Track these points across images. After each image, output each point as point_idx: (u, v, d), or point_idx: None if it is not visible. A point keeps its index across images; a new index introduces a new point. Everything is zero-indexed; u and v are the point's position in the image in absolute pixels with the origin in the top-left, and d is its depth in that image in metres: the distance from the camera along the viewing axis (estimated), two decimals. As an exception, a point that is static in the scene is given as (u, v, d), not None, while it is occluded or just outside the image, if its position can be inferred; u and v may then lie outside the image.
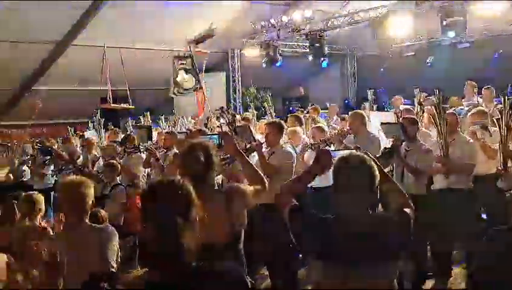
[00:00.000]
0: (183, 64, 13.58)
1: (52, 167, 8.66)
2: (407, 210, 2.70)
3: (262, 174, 3.81)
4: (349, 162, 2.63)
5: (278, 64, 16.30)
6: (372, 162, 2.64)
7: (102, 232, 3.34)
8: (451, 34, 13.16)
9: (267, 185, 3.72)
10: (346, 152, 2.94)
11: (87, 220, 3.30)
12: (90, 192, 3.31)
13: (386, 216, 2.70)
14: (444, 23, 12.52)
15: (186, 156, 3.35)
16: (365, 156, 2.70)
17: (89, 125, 11.92)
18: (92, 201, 3.35)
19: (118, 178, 7.15)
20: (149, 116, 11.66)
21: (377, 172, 2.61)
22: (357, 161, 2.63)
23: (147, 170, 7.87)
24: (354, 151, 3.06)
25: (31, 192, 4.83)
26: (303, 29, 15.01)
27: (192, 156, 3.28)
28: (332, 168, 2.68)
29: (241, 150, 3.78)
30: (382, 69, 17.19)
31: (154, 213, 2.02)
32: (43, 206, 4.33)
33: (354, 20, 14.03)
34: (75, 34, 13.53)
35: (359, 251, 2.49)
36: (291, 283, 5.63)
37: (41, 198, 4.26)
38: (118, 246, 3.40)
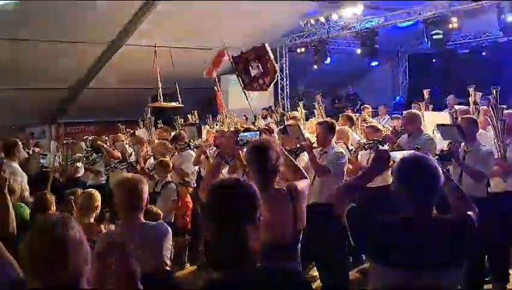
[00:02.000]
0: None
1: (103, 165, 8.86)
2: (470, 213, 2.62)
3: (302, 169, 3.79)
4: (415, 163, 2.57)
5: (327, 62, 16.13)
6: (437, 164, 2.56)
7: (156, 229, 3.36)
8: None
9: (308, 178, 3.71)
10: (407, 152, 2.88)
11: (142, 218, 3.33)
12: (146, 189, 3.34)
13: (449, 219, 2.60)
14: (501, 19, 12.07)
15: (255, 154, 3.34)
16: (430, 157, 2.63)
17: (140, 123, 12.11)
18: (147, 198, 3.39)
19: (169, 175, 7.25)
20: (196, 115, 11.75)
21: (441, 173, 2.54)
22: (423, 162, 2.56)
23: (196, 167, 7.93)
24: (415, 152, 2.98)
25: (88, 189, 4.94)
26: (353, 27, 14.79)
27: (261, 154, 3.27)
28: (395, 169, 2.61)
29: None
30: (434, 67, 16.83)
31: (219, 213, 2.01)
32: (99, 203, 4.40)
33: (407, 18, 13.71)
34: (127, 34, 13.80)
35: (423, 255, 2.42)
36: (342, 284, 5.57)
37: (98, 195, 4.34)
38: (171, 244, 3.43)
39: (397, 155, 2.96)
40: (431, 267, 2.42)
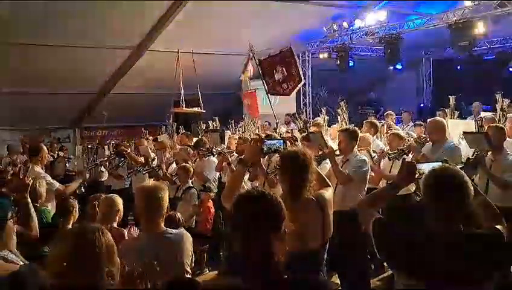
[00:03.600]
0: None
1: (126, 169, 8.94)
2: (498, 227, 2.57)
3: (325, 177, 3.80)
4: (444, 177, 2.53)
5: (350, 68, 16.04)
6: (467, 177, 2.52)
7: (177, 236, 3.36)
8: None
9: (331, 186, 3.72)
10: (435, 164, 2.83)
11: (162, 225, 3.34)
12: (166, 197, 3.36)
13: (479, 234, 2.55)
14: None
15: (287, 164, 3.35)
16: (459, 170, 2.58)
17: (162, 128, 12.21)
18: (167, 205, 3.40)
19: (190, 181, 7.28)
20: (218, 121, 11.78)
21: (471, 187, 2.50)
22: (452, 175, 2.53)
23: (218, 173, 7.95)
24: (442, 164, 2.92)
25: (110, 194, 4.99)
26: (377, 32, 14.69)
27: (294, 164, 3.28)
28: (424, 182, 2.58)
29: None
30: (459, 73, 16.61)
31: (244, 224, 2.03)
32: (121, 208, 4.44)
33: (431, 23, 13.55)
34: (151, 39, 13.93)
35: (452, 270, 2.38)
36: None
37: (119, 200, 4.37)
38: (192, 250, 3.43)
39: (424, 167, 2.91)
40: (460, 283, 2.38)
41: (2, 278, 2.14)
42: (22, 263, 2.78)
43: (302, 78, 12.56)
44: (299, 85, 12.30)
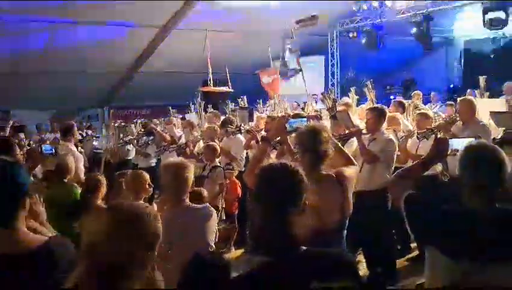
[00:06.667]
0: (288, 44, 13.71)
1: (154, 147, 9.02)
2: None
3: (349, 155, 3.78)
4: (483, 152, 2.48)
5: (379, 48, 15.81)
6: (503, 153, 2.46)
7: (201, 212, 3.40)
8: None
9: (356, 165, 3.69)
10: (469, 140, 2.79)
11: (187, 201, 3.37)
12: (191, 173, 3.38)
13: None
14: None
15: (305, 138, 3.34)
16: (496, 146, 2.53)
17: (190, 107, 12.25)
18: (192, 182, 3.43)
19: (217, 160, 7.30)
20: (245, 100, 11.76)
21: (508, 163, 2.43)
22: (492, 151, 2.47)
23: (245, 152, 7.94)
24: (477, 140, 2.87)
25: (137, 170, 5.04)
26: (407, 11, 14.40)
27: (311, 138, 3.27)
28: (461, 157, 2.52)
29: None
30: (490, 54, 16.27)
31: (265, 197, 2.03)
32: (149, 184, 4.46)
33: (463, 1, 13.23)
34: (179, 18, 13.93)
35: (487, 247, 2.34)
36: (389, 271, 5.50)
37: (147, 176, 4.40)
38: (216, 227, 3.46)
39: (457, 143, 2.87)
40: (495, 260, 2.34)
41: (31, 249, 2.14)
42: (50, 235, 2.82)
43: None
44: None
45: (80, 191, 4.95)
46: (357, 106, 8.90)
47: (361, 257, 6.03)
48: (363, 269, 5.79)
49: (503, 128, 5.34)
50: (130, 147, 9.39)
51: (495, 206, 2.45)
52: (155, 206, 4.44)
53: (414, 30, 14.80)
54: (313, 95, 14.14)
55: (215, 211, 6.52)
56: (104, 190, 4.77)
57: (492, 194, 2.44)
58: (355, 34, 16.12)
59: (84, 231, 1.89)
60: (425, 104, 10.29)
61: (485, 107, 7.11)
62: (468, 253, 2.36)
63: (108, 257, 1.77)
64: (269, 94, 12.97)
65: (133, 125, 10.55)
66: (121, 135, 9.64)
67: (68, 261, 2.09)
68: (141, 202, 4.24)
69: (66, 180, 5.12)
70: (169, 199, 3.37)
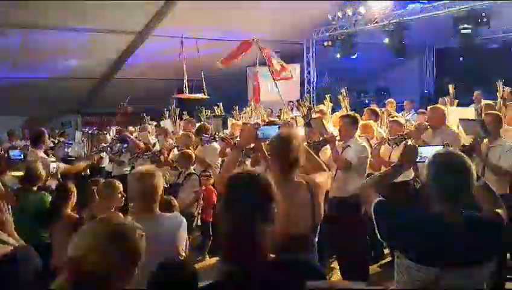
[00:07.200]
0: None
1: (129, 155, 8.93)
2: (499, 211, 2.59)
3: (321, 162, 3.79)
4: (450, 159, 2.53)
5: (353, 56, 15.98)
6: (470, 161, 2.52)
7: (171, 220, 3.35)
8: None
9: (327, 171, 3.71)
10: (437, 148, 2.84)
11: (157, 209, 3.32)
12: (160, 182, 3.33)
13: (479, 217, 2.57)
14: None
15: (276, 146, 3.35)
16: (462, 154, 2.58)
17: (165, 114, 12.18)
18: (162, 190, 3.38)
19: (192, 167, 7.27)
20: (221, 107, 11.76)
21: (474, 171, 2.50)
22: (458, 158, 2.53)
23: (220, 160, 7.92)
24: (444, 147, 2.93)
25: (110, 179, 4.98)
26: (381, 20, 14.60)
27: (282, 146, 3.28)
28: (428, 164, 2.58)
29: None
30: (462, 62, 16.65)
31: (233, 206, 2.02)
32: (121, 193, 4.40)
33: (435, 12, 13.47)
34: (154, 24, 13.86)
35: (452, 252, 2.40)
36: (362, 277, 5.54)
37: (119, 185, 4.35)
38: (186, 235, 3.42)
39: (426, 151, 2.92)
40: (460, 265, 2.40)
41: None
42: (17, 245, 2.76)
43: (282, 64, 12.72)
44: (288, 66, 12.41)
45: (49, 199, 4.87)
46: (332, 113, 8.97)
47: (335, 264, 6.08)
48: (337, 276, 5.84)
49: (472, 135, 5.44)
50: (103, 154, 9.28)
51: (461, 212, 2.50)
52: (129, 217, 4.40)
53: (387, 40, 15.02)
54: (289, 102, 14.22)
55: (192, 219, 6.50)
56: (74, 198, 4.70)
57: (458, 200, 2.49)
58: (329, 43, 16.26)
59: (71, 242, 1.88)
60: (398, 112, 10.45)
61: (456, 115, 7.25)
62: (434, 258, 2.40)
63: (92, 269, 1.77)
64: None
65: (106, 132, 10.43)
66: (95, 142, 9.53)
67: (32, 271, 2.05)
68: (129, 217, 4.19)
69: (35, 188, 5.03)
70: (138, 208, 3.32)
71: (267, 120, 7.98)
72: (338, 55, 16.24)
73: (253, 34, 12.73)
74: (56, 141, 10.48)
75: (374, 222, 2.63)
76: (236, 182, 2.10)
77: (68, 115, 18.50)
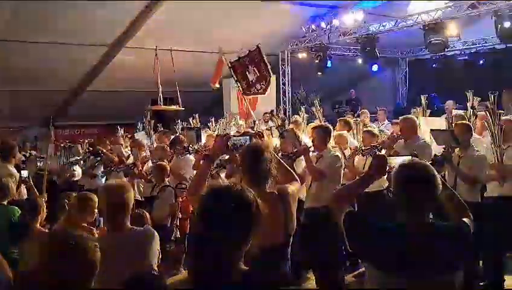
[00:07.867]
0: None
1: (102, 168, 8.83)
2: (466, 220, 2.63)
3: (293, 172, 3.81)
4: (414, 170, 2.57)
5: (328, 67, 16.13)
6: (435, 171, 2.56)
7: (143, 234, 3.31)
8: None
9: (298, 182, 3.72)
10: (405, 158, 2.88)
11: (128, 223, 3.28)
12: (131, 196, 3.29)
13: (445, 226, 2.60)
14: (498, 27, 11.97)
15: (247, 157, 3.34)
16: (428, 164, 2.63)
17: (139, 126, 12.09)
18: (133, 204, 3.34)
19: (166, 180, 7.22)
20: (198, 119, 11.72)
21: (439, 181, 2.54)
22: (422, 169, 2.57)
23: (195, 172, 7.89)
24: (412, 158, 2.96)
25: (82, 192, 4.91)
26: (354, 32, 14.79)
27: (253, 157, 3.27)
28: (394, 174, 2.61)
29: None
30: (434, 73, 16.99)
31: (206, 219, 1.99)
32: (94, 207, 4.34)
33: (406, 24, 13.72)
34: (128, 36, 13.78)
35: (420, 261, 2.42)
36: (337, 287, 5.56)
37: (94, 198, 4.28)
38: (159, 249, 3.38)
39: (394, 161, 2.95)
40: (428, 274, 2.41)
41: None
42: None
43: (271, 73, 12.69)
44: (269, 79, 12.40)
45: (18, 213, 4.78)
46: (307, 124, 9.02)
47: (311, 274, 6.09)
48: (312, 286, 5.84)
49: (443, 145, 5.54)
50: (76, 167, 9.15)
51: (427, 221, 2.54)
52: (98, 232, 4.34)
53: (361, 50, 15.20)
54: (265, 113, 14.25)
55: (169, 232, 6.43)
56: (44, 213, 4.62)
57: (424, 209, 2.52)
58: (304, 54, 16.39)
59: (29, 256, 1.89)
60: (372, 123, 10.56)
61: (428, 124, 7.37)
62: (401, 268, 2.41)
63: (44, 281, 1.75)
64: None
65: (79, 145, 10.30)
66: (68, 156, 9.39)
67: (2, 285, 2.03)
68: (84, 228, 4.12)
69: (5, 203, 4.94)
70: (108, 222, 3.27)
71: (241, 131, 7.99)
72: (313, 66, 16.36)
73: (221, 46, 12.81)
74: (28, 155, 10.34)
75: (344, 233, 2.64)
76: (209, 196, 2.05)
77: (40, 128, 18.18)
